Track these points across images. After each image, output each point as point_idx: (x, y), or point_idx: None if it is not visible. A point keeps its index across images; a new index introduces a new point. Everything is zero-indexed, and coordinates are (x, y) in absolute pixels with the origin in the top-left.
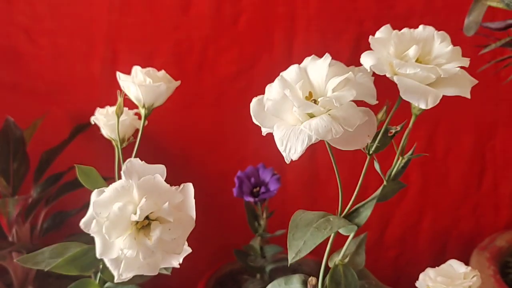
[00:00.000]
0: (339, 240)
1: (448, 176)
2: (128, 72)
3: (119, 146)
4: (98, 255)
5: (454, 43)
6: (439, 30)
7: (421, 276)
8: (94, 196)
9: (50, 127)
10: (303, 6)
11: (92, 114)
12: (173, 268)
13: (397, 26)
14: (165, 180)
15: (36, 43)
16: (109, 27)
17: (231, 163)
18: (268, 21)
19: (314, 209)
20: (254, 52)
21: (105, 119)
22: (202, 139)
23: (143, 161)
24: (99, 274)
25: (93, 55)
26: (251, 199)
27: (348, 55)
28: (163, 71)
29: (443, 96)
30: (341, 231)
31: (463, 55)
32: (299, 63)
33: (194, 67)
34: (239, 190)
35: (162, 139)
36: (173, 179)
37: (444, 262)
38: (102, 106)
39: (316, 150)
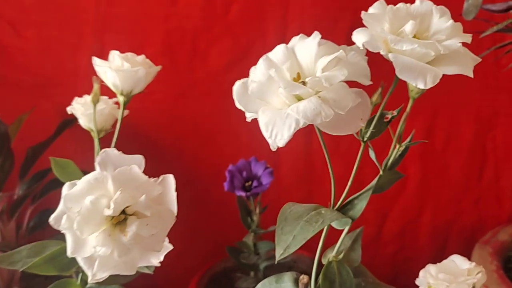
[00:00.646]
0: (335, 235)
1: (448, 168)
2: None
3: (96, 136)
4: (69, 254)
5: None
6: None
7: (421, 273)
8: (65, 189)
9: (37, 122)
10: None
11: None
12: (165, 266)
13: None
14: (155, 173)
15: (21, 35)
16: (97, 18)
17: (224, 156)
18: (261, 9)
19: (310, 203)
20: (246, 42)
21: (82, 109)
22: (194, 131)
23: (120, 151)
24: (80, 274)
25: (80, 47)
26: (243, 194)
27: (343, 43)
28: (142, 56)
29: (442, 85)
30: (334, 225)
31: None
32: None
33: (186, 58)
34: (230, 184)
35: (153, 132)
36: (164, 172)
37: (445, 257)
38: None
39: (311, 142)
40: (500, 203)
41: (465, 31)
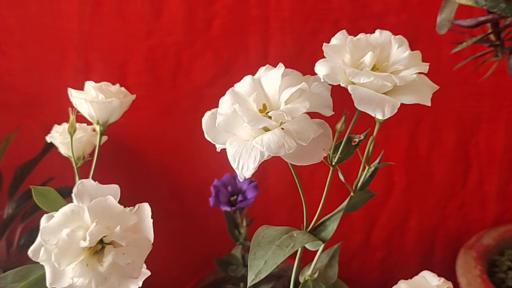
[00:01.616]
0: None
1: (432, 174)
2: (101, 81)
3: (75, 165)
4: (48, 285)
5: (431, 40)
6: (416, 28)
7: None
8: (43, 222)
9: (24, 141)
10: (277, 8)
11: None
12: (156, 279)
13: (372, 25)
14: (142, 190)
15: (6, 55)
16: (80, 36)
17: (209, 170)
18: (242, 24)
19: (297, 214)
20: (229, 56)
21: (61, 137)
22: (179, 146)
23: (96, 182)
24: None
25: (65, 65)
26: (228, 209)
27: (323, 55)
28: (117, 86)
29: None
30: (307, 246)
31: (441, 52)
32: (275, 65)
33: (169, 74)
34: (215, 199)
35: (139, 148)
36: (151, 188)
37: (432, 262)
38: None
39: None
40: (484, 207)
41: (443, 41)
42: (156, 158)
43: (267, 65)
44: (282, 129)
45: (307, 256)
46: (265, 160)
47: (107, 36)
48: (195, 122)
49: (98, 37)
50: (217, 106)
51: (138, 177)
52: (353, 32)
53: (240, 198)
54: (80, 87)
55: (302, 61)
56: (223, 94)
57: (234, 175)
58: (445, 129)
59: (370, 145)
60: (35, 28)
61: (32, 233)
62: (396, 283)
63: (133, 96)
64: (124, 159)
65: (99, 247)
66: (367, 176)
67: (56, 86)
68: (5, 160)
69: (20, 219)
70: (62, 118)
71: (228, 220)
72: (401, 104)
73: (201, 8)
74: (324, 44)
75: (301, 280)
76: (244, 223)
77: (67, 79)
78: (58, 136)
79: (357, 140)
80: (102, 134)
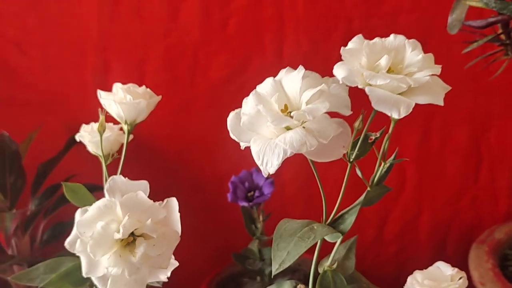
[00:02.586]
0: (331, 243)
1: (444, 169)
2: (120, 80)
3: (104, 162)
4: (84, 274)
5: (443, 39)
6: (428, 27)
7: (409, 279)
8: (77, 216)
9: (46, 139)
10: (291, 7)
11: (87, 123)
12: (174, 272)
13: (385, 24)
14: (162, 186)
15: (27, 55)
16: (100, 36)
17: (227, 166)
18: (258, 24)
19: (312, 208)
20: (245, 55)
21: (89, 136)
22: (197, 143)
23: (126, 178)
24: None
25: (84, 64)
26: (245, 204)
27: (338, 54)
28: (143, 87)
29: None
30: (326, 238)
31: (452, 51)
32: (290, 64)
33: (186, 72)
34: (233, 195)
35: (158, 145)
36: (170, 184)
37: (444, 255)
38: (97, 115)
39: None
40: (496, 202)
41: (455, 40)
42: (175, 155)
43: (288, 67)
44: (304, 128)
45: (323, 250)
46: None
47: (126, 36)
48: (212, 119)
49: (117, 37)
50: (233, 104)
51: (159, 173)
52: (366, 31)
53: (257, 194)
54: (99, 86)
55: (317, 60)
56: (239, 92)
57: (250, 172)
58: (457, 126)
59: (386, 142)
60: (55, 28)
61: (54, 228)
62: (409, 275)
63: (159, 98)
64: (144, 157)
65: (131, 239)
66: (382, 171)
67: (76, 85)
68: (27, 158)
69: (42, 215)
70: (82, 116)
71: (245, 215)
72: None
73: (217, 8)
74: (342, 48)
75: (320, 270)
76: (261, 218)
77: (87, 78)
78: (87, 135)
79: (373, 137)
80: (129, 133)
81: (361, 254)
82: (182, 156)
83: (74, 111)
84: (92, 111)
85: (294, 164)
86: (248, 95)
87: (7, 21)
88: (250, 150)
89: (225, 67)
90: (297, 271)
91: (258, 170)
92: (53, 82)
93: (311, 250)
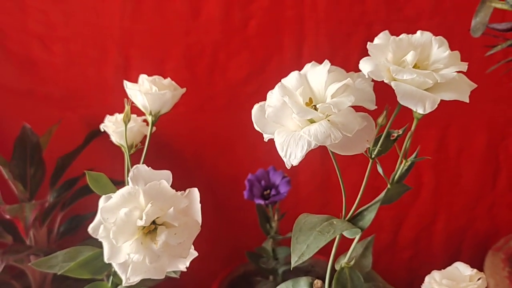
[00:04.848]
0: (348, 242)
1: (461, 176)
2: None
3: (127, 152)
4: (105, 260)
5: (464, 43)
6: (448, 31)
7: (427, 278)
8: (101, 202)
9: (65, 133)
10: (312, 9)
11: None
12: (187, 270)
13: (406, 28)
14: (178, 183)
15: (50, 50)
16: (121, 33)
17: (243, 166)
18: (278, 24)
19: (327, 210)
20: (264, 56)
21: (114, 126)
22: (214, 142)
23: (149, 167)
24: (111, 277)
25: (105, 61)
26: (261, 202)
27: (357, 57)
28: (168, 79)
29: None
30: (345, 234)
31: (473, 56)
32: None
33: (205, 71)
34: (249, 193)
35: (175, 142)
36: (186, 182)
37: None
38: (115, 112)
39: (328, 152)
40: None
41: (477, 45)
42: (191, 152)
43: (313, 61)
44: (328, 121)
45: (338, 250)
46: None
47: (147, 34)
48: (229, 119)
49: (138, 35)
50: (249, 105)
51: (175, 170)
52: None
53: (273, 192)
54: (120, 83)
55: (336, 63)
56: (256, 93)
57: (267, 170)
58: (476, 132)
59: (408, 140)
60: (78, 25)
61: (71, 221)
62: (422, 282)
63: (183, 90)
64: (161, 153)
65: (152, 228)
66: (403, 169)
67: (97, 81)
68: (47, 151)
69: (60, 207)
70: (102, 111)
71: (260, 214)
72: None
73: (238, 8)
74: (368, 43)
75: (337, 267)
76: (276, 217)
77: (108, 75)
78: (111, 125)
79: (395, 134)
80: (153, 124)
81: (374, 258)
82: (198, 154)
83: (93, 107)
84: (111, 108)
85: (310, 165)
86: (265, 96)
87: (32, 16)
88: (265, 150)
89: (244, 68)
90: (310, 272)
91: (275, 169)
92: (74, 77)
93: (326, 252)
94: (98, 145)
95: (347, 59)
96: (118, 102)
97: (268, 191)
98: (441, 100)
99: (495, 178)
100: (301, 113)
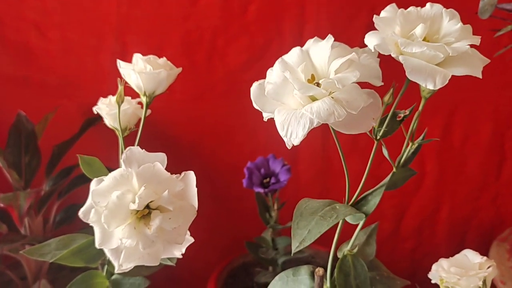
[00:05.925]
0: (350, 230)
1: (466, 165)
2: None
3: (120, 135)
4: (97, 245)
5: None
6: None
7: (434, 266)
8: (93, 185)
9: (62, 121)
10: None
11: None
12: (186, 260)
13: None
14: (176, 171)
15: (46, 37)
16: (118, 20)
17: (242, 154)
18: (278, 9)
19: (327, 198)
20: (264, 41)
21: (107, 109)
22: (213, 130)
23: (143, 149)
24: (106, 266)
25: (102, 48)
26: (261, 190)
27: (359, 43)
28: (164, 58)
29: (459, 82)
30: (348, 219)
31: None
32: None
33: (204, 58)
34: (249, 181)
35: (173, 131)
36: (184, 170)
37: None
38: None
39: (329, 138)
40: None
41: (482, 29)
42: (189, 141)
43: (315, 37)
44: (332, 97)
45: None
46: (295, 146)
47: (145, 20)
48: (229, 106)
49: (136, 21)
50: (248, 92)
51: (172, 159)
52: None
53: (273, 180)
54: (117, 70)
55: None
56: (257, 79)
57: (267, 158)
58: (481, 120)
59: (415, 121)
60: (75, 11)
61: (67, 210)
62: (426, 272)
63: (179, 69)
64: (159, 141)
65: (146, 212)
66: (410, 152)
67: (94, 68)
68: (43, 139)
69: (56, 196)
70: (99, 99)
71: (260, 203)
72: (437, 93)
73: None
74: (375, 16)
75: (339, 255)
76: (275, 207)
77: (105, 62)
78: (104, 107)
79: (402, 115)
80: (148, 105)
81: (376, 248)
82: (196, 142)
83: (90, 95)
84: (108, 95)
85: (311, 152)
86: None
87: (28, 3)
88: (265, 137)
89: (244, 54)
90: (310, 263)
91: (275, 157)
92: (70, 65)
93: (327, 242)
94: (94, 133)
95: (349, 43)
96: (115, 89)
97: (268, 179)
98: (446, 86)
99: (500, 167)
100: (303, 89)
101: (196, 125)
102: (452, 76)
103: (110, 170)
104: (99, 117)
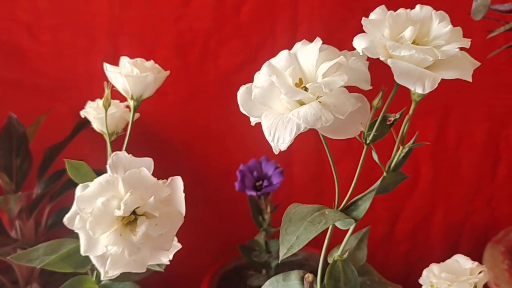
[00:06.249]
0: (343, 234)
1: (460, 167)
2: None
3: (108, 139)
4: (82, 252)
5: (463, 28)
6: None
7: (425, 272)
8: (78, 191)
9: (53, 124)
10: None
11: None
12: (178, 264)
13: None
14: (167, 174)
15: (38, 39)
16: (110, 21)
17: (235, 156)
18: (271, 11)
19: (321, 202)
20: (257, 43)
21: (95, 112)
22: (205, 132)
23: (130, 154)
24: (95, 271)
25: (95, 50)
26: (253, 193)
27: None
28: (151, 61)
29: (453, 83)
30: (338, 225)
31: (473, 41)
32: None
33: (197, 59)
34: (241, 184)
35: (165, 132)
36: (175, 173)
37: None
38: None
39: (322, 141)
40: None
41: (476, 31)
42: (181, 143)
43: (304, 40)
44: (319, 102)
45: (331, 243)
46: (288, 148)
47: (137, 22)
48: (221, 108)
49: (128, 23)
50: None
51: (163, 162)
52: None
53: (265, 183)
54: None
55: None
56: (250, 81)
57: (259, 161)
58: (475, 122)
59: (406, 124)
60: (66, 13)
61: (59, 213)
62: (420, 276)
63: (167, 72)
64: (149, 144)
65: (132, 218)
66: (400, 157)
67: (86, 71)
68: (35, 142)
69: (48, 199)
70: None
71: (252, 206)
72: (430, 95)
73: None
74: (363, 18)
75: (330, 260)
76: (268, 210)
77: (97, 64)
78: (92, 111)
79: (392, 119)
80: (135, 109)
81: (370, 251)
82: (188, 144)
83: (82, 97)
84: (100, 98)
85: (304, 155)
86: None
87: (19, 4)
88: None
89: (236, 55)
90: (304, 266)
91: (268, 160)
92: (62, 67)
93: (320, 245)
94: (86, 136)
95: (342, 45)
96: None
97: (261, 182)
98: (440, 88)
99: (495, 169)
100: (289, 93)
101: (188, 126)
102: None
103: (102, 173)
104: (90, 121)
